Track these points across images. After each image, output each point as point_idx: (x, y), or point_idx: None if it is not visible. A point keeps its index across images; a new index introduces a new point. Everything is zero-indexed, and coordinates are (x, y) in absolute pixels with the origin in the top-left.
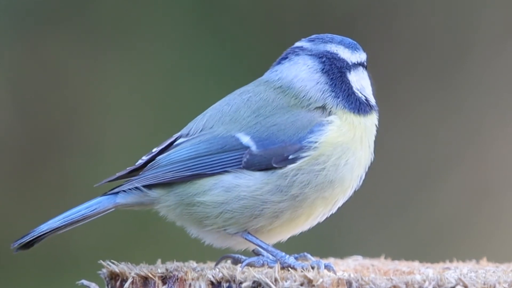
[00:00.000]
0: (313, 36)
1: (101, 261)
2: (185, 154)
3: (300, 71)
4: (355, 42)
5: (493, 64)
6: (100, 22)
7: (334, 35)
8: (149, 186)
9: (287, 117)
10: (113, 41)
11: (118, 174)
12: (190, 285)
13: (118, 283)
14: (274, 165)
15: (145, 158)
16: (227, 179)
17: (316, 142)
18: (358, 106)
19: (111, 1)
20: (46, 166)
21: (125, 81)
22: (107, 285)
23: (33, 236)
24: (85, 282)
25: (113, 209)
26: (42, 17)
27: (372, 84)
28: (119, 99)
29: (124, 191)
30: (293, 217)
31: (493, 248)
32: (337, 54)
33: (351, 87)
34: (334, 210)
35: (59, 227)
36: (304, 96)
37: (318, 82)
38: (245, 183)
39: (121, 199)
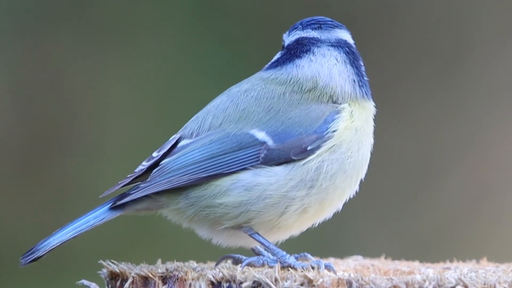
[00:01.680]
0: (308, 22)
1: (101, 261)
2: (197, 155)
3: (332, 65)
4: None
5: (493, 64)
6: (100, 22)
7: (318, 18)
8: (158, 192)
9: (300, 109)
10: (113, 41)
11: (120, 183)
12: (190, 285)
13: (118, 283)
14: (293, 158)
15: (146, 163)
16: (246, 177)
17: (334, 131)
18: (368, 91)
19: (111, 1)
20: (46, 166)
21: (125, 81)
22: (107, 285)
23: (45, 251)
24: (85, 282)
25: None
26: (42, 17)
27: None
28: (119, 99)
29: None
30: (319, 210)
31: (493, 248)
32: (346, 41)
33: (364, 72)
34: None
35: (69, 239)
36: (328, 89)
37: (348, 75)
38: (267, 181)
39: (129, 207)
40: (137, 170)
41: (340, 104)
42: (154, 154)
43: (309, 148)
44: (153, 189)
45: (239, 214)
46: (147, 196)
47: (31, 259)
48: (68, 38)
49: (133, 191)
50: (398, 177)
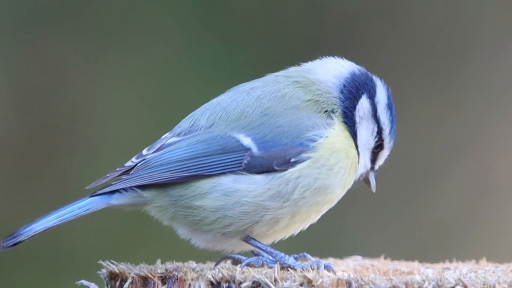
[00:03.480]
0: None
1: (101, 261)
2: (182, 154)
3: (331, 67)
4: (393, 111)
5: (493, 65)
6: (100, 22)
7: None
8: (143, 187)
9: (292, 118)
10: (113, 41)
11: (108, 176)
12: (189, 285)
13: (117, 283)
14: (276, 168)
15: (135, 160)
16: (226, 182)
17: (316, 142)
18: (353, 127)
19: (111, 1)
20: (46, 166)
21: (125, 81)
22: (107, 285)
23: (28, 236)
24: (84, 282)
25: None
26: (42, 17)
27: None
28: (119, 99)
29: (119, 192)
30: (290, 222)
31: (493, 248)
32: (375, 84)
33: (354, 108)
34: (317, 218)
35: (52, 227)
36: (320, 92)
37: (337, 83)
38: (246, 188)
39: (115, 200)
40: (126, 164)
41: (333, 119)
42: (144, 151)
43: (292, 160)
44: (134, 182)
45: (216, 220)
46: (132, 190)
47: (13, 243)
48: (68, 39)
49: (115, 182)
50: (398, 177)
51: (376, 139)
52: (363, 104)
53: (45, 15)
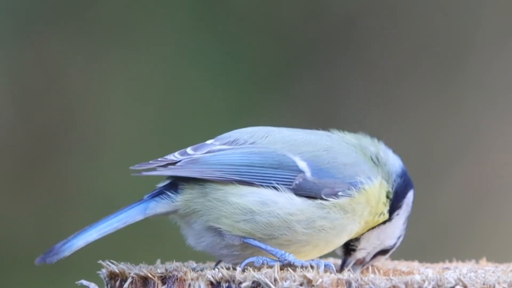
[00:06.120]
0: None
1: (101, 261)
2: (237, 159)
3: (395, 161)
4: None
5: (493, 64)
6: (101, 22)
7: None
8: (175, 190)
9: (351, 161)
10: (113, 41)
11: (152, 162)
12: (189, 285)
13: (117, 283)
14: (323, 197)
15: (179, 156)
16: (268, 193)
17: (363, 186)
18: (393, 212)
19: (111, 1)
20: (46, 166)
21: (125, 81)
22: (107, 285)
23: (71, 251)
24: (84, 282)
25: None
26: (42, 17)
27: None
28: (119, 99)
29: (155, 200)
30: (294, 251)
31: (493, 248)
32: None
33: (404, 197)
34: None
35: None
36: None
37: (396, 171)
38: (283, 203)
39: (150, 210)
40: (168, 157)
41: (379, 176)
42: (189, 151)
43: (340, 193)
44: (184, 172)
45: (241, 221)
46: (167, 195)
47: (56, 259)
48: (68, 39)
49: (161, 169)
50: None
51: (395, 240)
52: (410, 197)
53: (45, 15)
